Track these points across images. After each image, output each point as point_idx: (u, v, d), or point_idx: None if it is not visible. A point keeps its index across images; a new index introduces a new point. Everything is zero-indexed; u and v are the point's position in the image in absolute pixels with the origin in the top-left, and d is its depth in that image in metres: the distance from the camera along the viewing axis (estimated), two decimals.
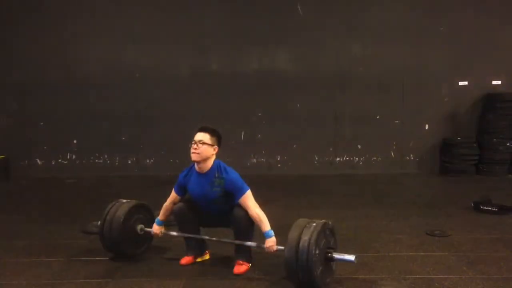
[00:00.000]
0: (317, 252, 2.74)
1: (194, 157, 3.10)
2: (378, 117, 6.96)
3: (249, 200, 3.13)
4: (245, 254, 3.25)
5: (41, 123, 7.09)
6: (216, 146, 3.17)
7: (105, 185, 6.42)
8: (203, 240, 3.38)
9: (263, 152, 7.01)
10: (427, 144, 7.00)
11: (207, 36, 6.97)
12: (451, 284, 2.98)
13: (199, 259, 3.39)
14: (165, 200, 3.41)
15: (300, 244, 2.73)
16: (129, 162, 7.12)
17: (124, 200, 3.53)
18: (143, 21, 6.97)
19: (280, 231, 4.18)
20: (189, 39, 6.95)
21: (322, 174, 6.78)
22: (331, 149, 7.06)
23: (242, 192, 3.12)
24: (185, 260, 3.35)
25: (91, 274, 3.23)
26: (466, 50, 6.79)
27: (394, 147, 7.03)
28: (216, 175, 3.14)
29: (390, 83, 6.89)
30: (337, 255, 2.91)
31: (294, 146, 7.08)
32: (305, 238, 2.73)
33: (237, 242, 3.19)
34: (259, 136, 7.02)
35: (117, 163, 7.12)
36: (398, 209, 4.85)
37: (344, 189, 5.93)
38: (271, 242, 3.05)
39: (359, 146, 7.04)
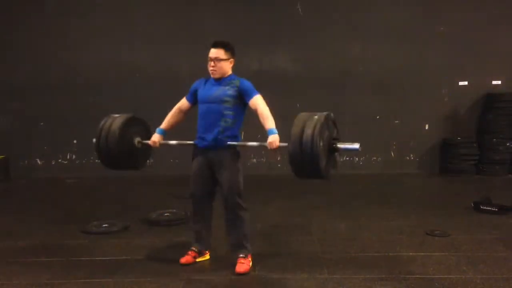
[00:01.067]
0: (321, 143, 2.72)
1: (214, 74, 3.19)
2: (378, 117, 6.96)
3: (259, 99, 3.21)
4: (243, 244, 3.25)
5: (41, 123, 7.09)
6: (232, 59, 3.25)
7: (105, 185, 6.42)
8: (208, 234, 3.39)
9: (263, 152, 7.01)
10: (427, 144, 7.01)
11: (207, 36, 6.95)
12: (451, 284, 2.98)
13: (199, 259, 3.38)
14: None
15: (304, 137, 2.70)
16: None
17: (117, 115, 3.47)
18: (143, 21, 6.97)
19: (280, 231, 4.19)
20: (189, 39, 6.95)
21: None
22: None
23: (255, 93, 3.20)
24: (185, 259, 3.34)
25: (91, 274, 3.23)
26: (466, 50, 6.79)
27: (394, 147, 7.04)
28: (233, 79, 3.22)
29: (390, 83, 6.89)
30: (341, 145, 2.92)
31: None
32: (308, 131, 2.71)
33: (249, 143, 3.45)
34: (259, 136, 6.99)
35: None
36: (398, 209, 4.86)
37: (344, 189, 5.93)
38: (273, 138, 3.06)
39: None
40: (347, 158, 7.06)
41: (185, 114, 3.43)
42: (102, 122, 3.40)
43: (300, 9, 6.84)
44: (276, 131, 3.08)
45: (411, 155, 7.05)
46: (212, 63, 3.18)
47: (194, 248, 3.38)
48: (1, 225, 4.50)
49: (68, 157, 7.15)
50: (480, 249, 3.62)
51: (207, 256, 3.45)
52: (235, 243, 3.28)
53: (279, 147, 3.06)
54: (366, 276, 3.14)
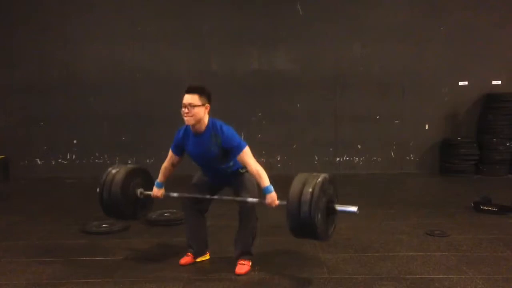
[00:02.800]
0: (320, 204, 2.73)
1: (188, 121, 3.04)
2: (378, 117, 6.97)
3: (247, 156, 3.09)
4: (246, 250, 3.24)
5: (41, 123, 7.10)
6: (207, 104, 3.09)
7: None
8: (205, 240, 3.39)
9: (263, 152, 7.01)
10: (427, 144, 7.01)
11: (207, 36, 6.97)
12: (451, 284, 2.98)
13: (199, 259, 3.37)
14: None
15: (302, 198, 2.71)
16: (129, 162, 7.12)
17: (121, 166, 3.50)
18: (143, 21, 6.97)
19: (280, 231, 4.19)
20: (189, 39, 6.95)
21: None
22: (331, 149, 7.06)
23: (240, 149, 3.07)
24: (185, 260, 3.33)
25: (91, 274, 3.23)
26: (466, 50, 6.80)
27: (394, 147, 7.04)
28: (213, 133, 3.09)
29: (390, 83, 6.89)
30: (339, 207, 2.94)
31: (294, 146, 7.08)
32: (307, 191, 2.71)
33: (238, 199, 3.16)
34: (259, 136, 7.02)
35: (117, 163, 7.11)
36: (398, 209, 4.86)
37: (344, 189, 5.90)
38: (271, 198, 3.03)
39: (359, 146, 7.05)
40: (347, 158, 7.06)
41: (178, 165, 3.39)
42: (106, 173, 3.40)
43: (300, 9, 6.84)
44: (273, 189, 3.04)
45: (411, 155, 7.05)
46: (186, 110, 3.01)
47: (191, 250, 3.38)
48: (1, 225, 4.50)
49: (68, 157, 7.15)
50: (480, 249, 3.62)
51: (208, 256, 3.43)
52: (244, 250, 3.25)
53: (277, 205, 3.05)
54: (366, 276, 3.13)
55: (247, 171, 3.18)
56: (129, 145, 7.06)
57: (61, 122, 7.03)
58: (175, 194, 3.37)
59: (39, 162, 7.16)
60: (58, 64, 7.02)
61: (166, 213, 4.62)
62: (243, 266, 3.20)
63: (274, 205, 3.04)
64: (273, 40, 6.93)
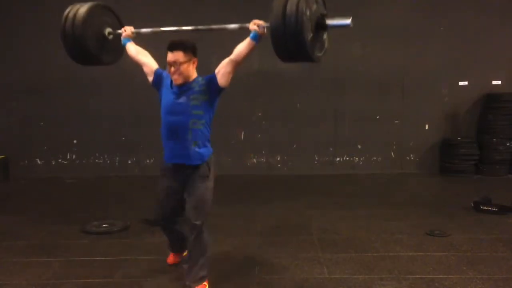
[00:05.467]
0: (308, 14, 2.42)
1: (176, 80, 2.80)
2: (378, 117, 6.96)
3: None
4: (198, 276, 2.89)
5: (41, 123, 7.09)
6: (194, 59, 2.87)
7: (105, 185, 6.42)
8: (183, 237, 3.09)
9: (263, 152, 7.01)
10: (427, 144, 7.00)
11: (207, 36, 6.95)
12: (451, 284, 2.99)
13: (185, 253, 3.24)
14: None
15: (288, 8, 2.41)
16: (129, 162, 7.12)
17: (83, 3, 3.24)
18: (143, 21, 6.93)
19: (280, 231, 4.19)
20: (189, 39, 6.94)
21: (322, 174, 6.78)
22: (331, 149, 7.06)
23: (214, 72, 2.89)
24: (171, 259, 3.35)
25: (91, 274, 3.24)
26: (466, 50, 6.79)
27: (394, 147, 7.03)
28: (196, 83, 2.89)
29: (390, 83, 6.89)
30: (330, 21, 2.63)
31: (294, 146, 7.08)
32: (292, 1, 2.41)
33: (231, 26, 2.93)
34: (259, 136, 7.02)
35: (117, 163, 7.12)
36: (398, 209, 4.86)
37: (344, 189, 5.93)
38: (255, 22, 2.86)
39: (359, 146, 7.04)
40: (347, 158, 7.06)
41: (139, 59, 3.19)
42: (69, 8, 3.21)
43: None
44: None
45: (411, 155, 7.05)
46: (172, 69, 2.78)
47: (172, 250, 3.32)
48: (1, 225, 4.50)
49: (68, 157, 7.15)
50: (480, 249, 3.62)
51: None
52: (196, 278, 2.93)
53: (262, 27, 2.84)
54: (366, 276, 3.14)
55: (209, 169, 2.86)
56: (129, 145, 7.05)
57: (61, 122, 7.03)
58: (147, 30, 3.22)
59: (39, 162, 7.16)
60: (58, 64, 7.00)
61: None
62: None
63: (258, 23, 2.85)
64: None
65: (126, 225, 4.31)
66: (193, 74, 2.88)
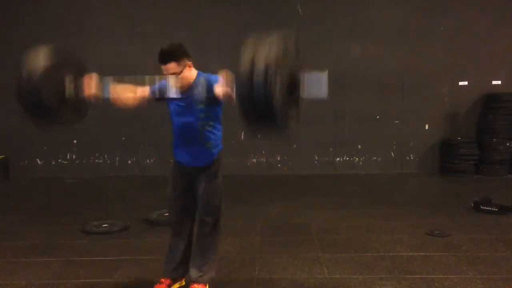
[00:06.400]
0: (279, 77, 2.02)
1: (180, 89, 2.74)
2: (378, 117, 6.96)
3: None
4: (205, 267, 2.87)
5: None
6: (188, 62, 2.75)
7: (105, 185, 6.42)
8: (187, 255, 2.96)
9: (263, 152, 7.00)
10: (427, 144, 7.00)
11: (207, 36, 6.97)
12: (451, 284, 2.99)
13: (176, 285, 2.97)
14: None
15: (255, 69, 2.02)
16: (129, 162, 7.12)
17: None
18: (143, 20, 6.97)
19: (280, 231, 4.19)
20: (189, 39, 6.93)
21: (322, 174, 6.78)
22: (331, 149, 7.06)
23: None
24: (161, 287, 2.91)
25: (91, 274, 3.24)
26: (466, 50, 6.79)
27: (394, 147, 7.03)
28: (202, 80, 2.78)
29: (390, 83, 6.89)
30: (305, 76, 2.27)
31: (294, 146, 7.08)
32: (260, 60, 2.05)
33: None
34: (259, 136, 7.01)
35: (117, 163, 7.12)
36: (398, 209, 4.86)
37: (344, 189, 5.93)
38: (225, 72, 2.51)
39: (359, 146, 7.04)
40: (347, 158, 7.06)
41: (140, 103, 3.07)
42: (30, 53, 2.71)
43: (300, 9, 6.84)
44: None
45: (411, 155, 7.05)
46: (172, 80, 2.71)
47: (167, 276, 2.95)
48: (1, 225, 4.50)
49: (68, 157, 7.15)
50: (480, 249, 3.62)
51: (183, 283, 3.00)
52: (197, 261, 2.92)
53: (228, 96, 2.48)
54: (366, 276, 3.14)
55: (219, 167, 2.85)
56: (129, 145, 7.05)
57: None
58: (110, 78, 2.75)
59: (39, 162, 7.16)
60: None
61: (166, 213, 4.61)
62: None
63: (225, 86, 2.49)
64: None
65: (126, 225, 4.31)
66: (193, 74, 2.82)
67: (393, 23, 6.80)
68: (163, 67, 2.70)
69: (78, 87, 2.71)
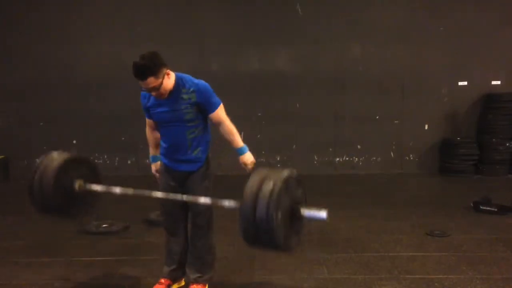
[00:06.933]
0: (282, 203, 2.21)
1: (161, 97, 2.69)
2: (378, 117, 6.96)
3: (223, 112, 2.84)
4: (203, 268, 2.89)
5: (41, 123, 7.09)
6: (164, 72, 2.63)
7: (105, 185, 6.41)
8: (185, 261, 2.96)
9: (263, 152, 7.00)
10: (427, 144, 7.00)
11: (207, 36, 6.97)
12: (451, 284, 2.99)
13: (175, 286, 2.99)
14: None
15: (260, 194, 2.18)
16: (129, 162, 7.12)
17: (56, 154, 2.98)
18: (143, 21, 6.96)
19: None
20: (189, 39, 6.95)
21: (322, 174, 6.78)
22: (331, 149, 7.06)
23: (216, 105, 2.80)
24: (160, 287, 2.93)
25: (91, 274, 3.23)
26: (466, 50, 6.79)
27: (394, 147, 7.04)
28: (183, 90, 2.71)
29: (390, 83, 6.89)
30: (307, 212, 2.42)
31: (294, 146, 7.08)
32: (267, 186, 2.18)
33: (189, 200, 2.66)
34: (259, 136, 7.02)
35: (117, 163, 7.12)
36: (398, 209, 4.86)
37: (344, 189, 5.93)
38: (246, 156, 2.81)
39: (359, 146, 7.04)
40: (347, 158, 7.06)
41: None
42: (41, 159, 2.96)
43: (299, 9, 6.84)
44: (248, 149, 2.89)
45: (411, 155, 7.05)
46: (153, 93, 2.65)
47: (167, 276, 2.96)
48: (1, 225, 4.50)
49: None
50: (480, 249, 3.62)
51: (183, 283, 3.03)
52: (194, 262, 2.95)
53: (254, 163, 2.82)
54: (366, 276, 3.14)
55: (208, 168, 2.88)
56: (129, 145, 7.05)
57: (61, 122, 7.03)
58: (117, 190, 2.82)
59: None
60: (58, 64, 7.01)
61: None
62: None
63: (250, 163, 2.80)
64: (273, 40, 6.93)
65: (126, 225, 4.31)
66: (172, 81, 2.70)
67: (393, 23, 6.80)
68: (140, 82, 2.60)
69: (88, 189, 2.80)
